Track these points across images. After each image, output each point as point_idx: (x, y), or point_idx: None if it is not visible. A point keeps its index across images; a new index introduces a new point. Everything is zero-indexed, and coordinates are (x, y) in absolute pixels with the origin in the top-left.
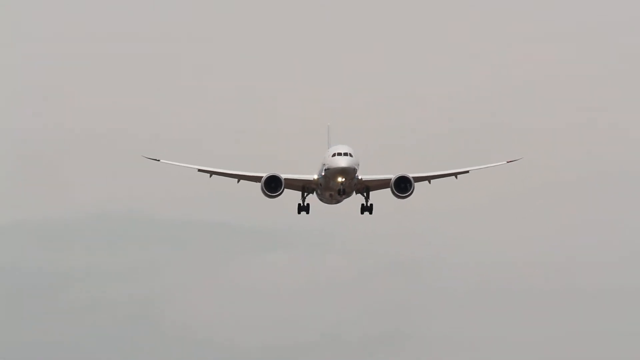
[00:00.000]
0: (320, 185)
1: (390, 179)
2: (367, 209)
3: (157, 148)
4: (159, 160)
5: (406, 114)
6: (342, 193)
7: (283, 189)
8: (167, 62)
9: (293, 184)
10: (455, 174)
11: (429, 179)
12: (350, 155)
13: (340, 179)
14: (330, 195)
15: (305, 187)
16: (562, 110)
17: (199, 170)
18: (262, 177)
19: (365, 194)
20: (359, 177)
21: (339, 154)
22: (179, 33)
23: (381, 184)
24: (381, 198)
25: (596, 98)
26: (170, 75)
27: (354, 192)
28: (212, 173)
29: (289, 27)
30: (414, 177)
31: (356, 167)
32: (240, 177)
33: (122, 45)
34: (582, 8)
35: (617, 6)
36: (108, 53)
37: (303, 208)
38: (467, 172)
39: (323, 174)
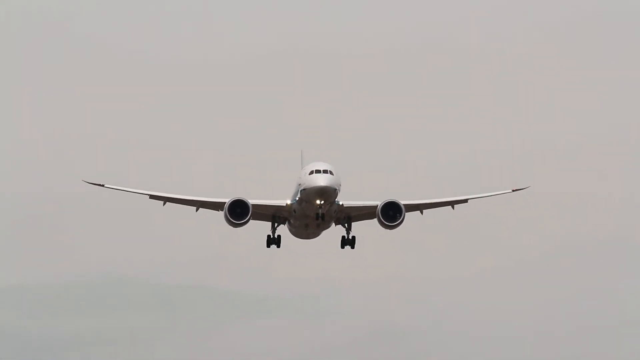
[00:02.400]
0: (295, 212)
1: (377, 206)
2: (348, 242)
3: (102, 173)
4: (103, 186)
5: (395, 135)
6: (320, 219)
7: (250, 216)
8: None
9: (262, 212)
10: (452, 203)
11: (420, 208)
12: (331, 173)
13: (318, 201)
14: (306, 226)
15: (276, 215)
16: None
17: (151, 197)
18: (225, 202)
19: (346, 224)
20: (340, 203)
21: (318, 172)
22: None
23: (365, 213)
24: (365, 229)
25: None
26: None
27: (334, 223)
28: (166, 200)
29: (265, 48)
30: (404, 205)
31: (337, 189)
32: (199, 204)
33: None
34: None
35: None
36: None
37: (273, 240)
38: (465, 201)
39: (298, 197)
